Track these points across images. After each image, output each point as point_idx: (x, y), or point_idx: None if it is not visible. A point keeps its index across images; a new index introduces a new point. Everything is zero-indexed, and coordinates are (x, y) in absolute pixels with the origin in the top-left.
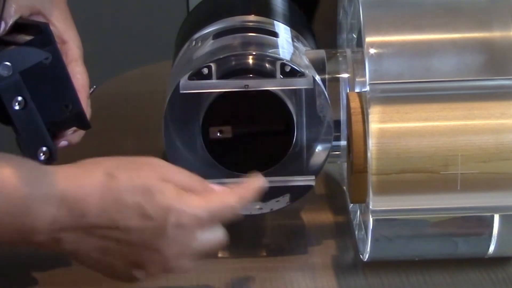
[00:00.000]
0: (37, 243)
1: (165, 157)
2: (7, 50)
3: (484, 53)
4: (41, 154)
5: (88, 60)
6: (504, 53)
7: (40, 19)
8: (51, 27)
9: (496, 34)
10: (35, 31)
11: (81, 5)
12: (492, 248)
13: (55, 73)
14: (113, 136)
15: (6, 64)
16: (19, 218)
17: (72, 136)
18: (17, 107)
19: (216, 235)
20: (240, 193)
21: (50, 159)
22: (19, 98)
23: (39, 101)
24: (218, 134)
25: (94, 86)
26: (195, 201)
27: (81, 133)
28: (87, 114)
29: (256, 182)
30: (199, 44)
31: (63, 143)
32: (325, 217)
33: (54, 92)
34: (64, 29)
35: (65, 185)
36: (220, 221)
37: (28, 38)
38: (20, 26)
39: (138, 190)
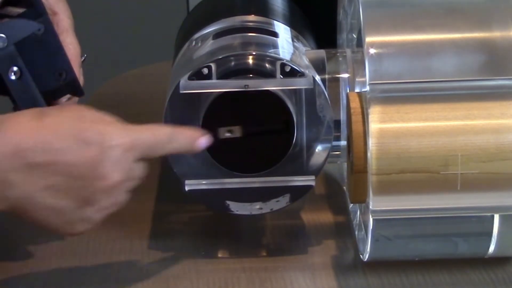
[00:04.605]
0: None
1: (165, 157)
2: (1, 23)
3: (484, 53)
4: None
5: (88, 60)
6: (504, 53)
7: None
8: (42, 0)
9: (496, 34)
10: (26, 3)
11: (81, 5)
12: (492, 248)
13: (48, 43)
14: None
15: (1, 36)
16: None
17: (67, 103)
18: (13, 77)
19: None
20: (175, 130)
21: None
22: (15, 69)
23: (34, 70)
24: (227, 134)
25: (85, 55)
26: (127, 126)
27: (75, 100)
28: (80, 82)
29: (198, 133)
30: (199, 44)
31: None
32: (325, 217)
33: (48, 61)
34: (55, 1)
35: None
36: (147, 151)
37: (20, 10)
38: None
39: (70, 118)
